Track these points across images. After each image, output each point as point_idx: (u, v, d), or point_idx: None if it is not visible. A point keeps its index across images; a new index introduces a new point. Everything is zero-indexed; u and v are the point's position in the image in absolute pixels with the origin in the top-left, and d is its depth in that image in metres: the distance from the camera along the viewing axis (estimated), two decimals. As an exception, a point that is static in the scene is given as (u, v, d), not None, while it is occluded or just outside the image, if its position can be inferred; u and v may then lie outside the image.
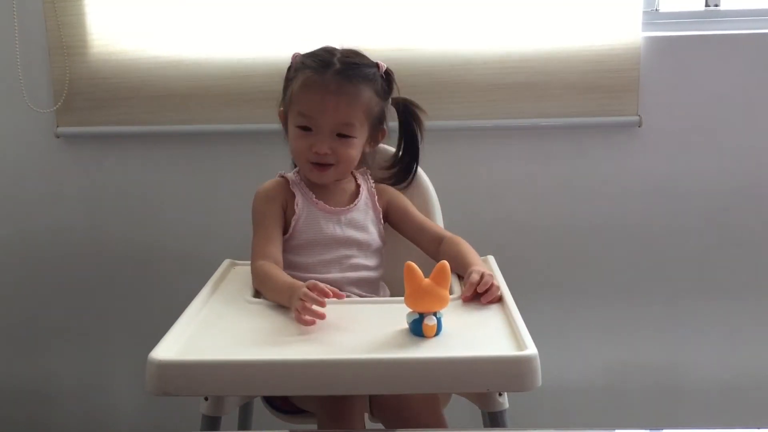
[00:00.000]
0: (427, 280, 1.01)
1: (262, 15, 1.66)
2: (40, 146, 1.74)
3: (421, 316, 1.01)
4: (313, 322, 1.05)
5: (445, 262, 1.02)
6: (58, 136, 1.73)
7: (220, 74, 1.67)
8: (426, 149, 1.44)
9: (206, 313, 1.13)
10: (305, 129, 1.28)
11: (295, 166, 1.39)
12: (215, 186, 1.76)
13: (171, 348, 0.99)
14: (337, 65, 1.27)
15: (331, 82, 1.26)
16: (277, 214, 1.31)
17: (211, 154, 1.74)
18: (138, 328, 1.81)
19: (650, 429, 0.94)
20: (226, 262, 1.40)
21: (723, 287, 1.78)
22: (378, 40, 1.63)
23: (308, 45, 1.35)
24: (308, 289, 1.06)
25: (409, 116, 1.41)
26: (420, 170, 1.47)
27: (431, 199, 1.46)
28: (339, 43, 1.34)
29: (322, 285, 1.07)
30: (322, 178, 1.32)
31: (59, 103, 1.69)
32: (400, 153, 1.43)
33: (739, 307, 1.79)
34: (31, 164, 1.76)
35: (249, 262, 1.36)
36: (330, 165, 1.29)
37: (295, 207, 1.31)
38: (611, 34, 1.64)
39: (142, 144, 1.74)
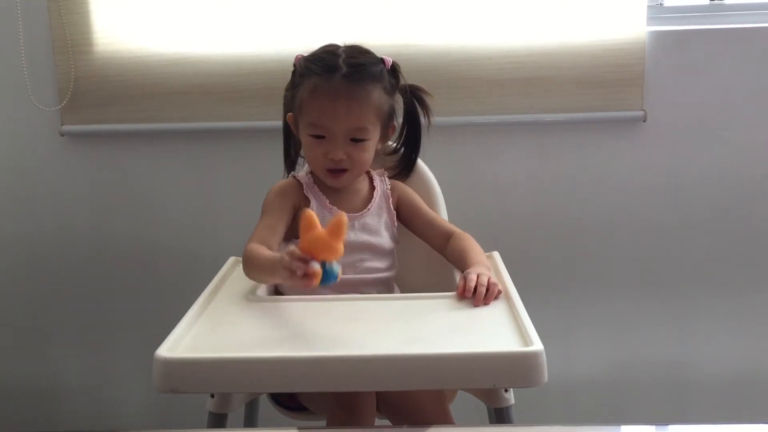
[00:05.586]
0: (321, 229, 0.97)
1: (266, 11, 1.65)
2: (45, 144, 1.75)
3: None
4: (311, 283, 0.98)
5: (343, 217, 0.96)
6: (63, 134, 1.73)
7: (225, 71, 1.67)
8: (430, 145, 1.43)
9: (211, 311, 1.13)
10: (318, 137, 1.26)
11: (291, 165, 1.39)
12: (220, 183, 1.76)
13: (177, 345, 0.99)
14: (344, 68, 1.23)
15: (340, 87, 1.22)
16: (286, 210, 1.29)
17: (216, 152, 1.74)
18: (144, 325, 1.82)
19: (657, 425, 0.94)
20: (231, 259, 1.40)
21: (729, 283, 1.78)
22: (381, 35, 1.63)
23: (312, 41, 1.34)
24: (288, 255, 1.01)
25: (417, 102, 1.37)
26: (424, 165, 1.46)
27: (435, 194, 1.45)
28: (342, 39, 1.31)
29: (299, 252, 1.00)
30: (338, 182, 1.31)
31: (64, 102, 1.69)
32: (401, 141, 1.41)
33: (745, 302, 1.79)
34: (36, 162, 1.77)
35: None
36: (345, 170, 1.28)
37: None
38: (616, 28, 1.64)
39: (147, 142, 1.74)
